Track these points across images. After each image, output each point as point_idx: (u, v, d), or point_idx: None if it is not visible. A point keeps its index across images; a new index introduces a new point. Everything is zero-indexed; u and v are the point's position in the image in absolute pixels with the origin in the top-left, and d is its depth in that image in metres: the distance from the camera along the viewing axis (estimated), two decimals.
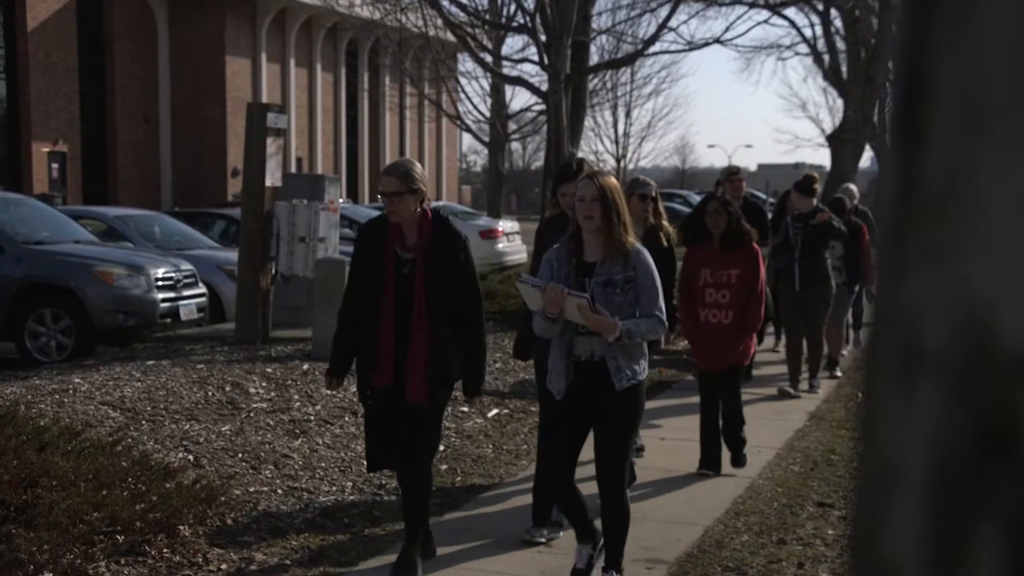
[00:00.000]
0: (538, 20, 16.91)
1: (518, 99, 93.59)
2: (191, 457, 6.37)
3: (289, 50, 36.41)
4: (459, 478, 6.64)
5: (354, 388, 5.71)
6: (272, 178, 10.20)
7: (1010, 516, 0.51)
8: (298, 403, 7.66)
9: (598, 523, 4.86)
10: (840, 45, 28.28)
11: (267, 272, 10.22)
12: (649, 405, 8.37)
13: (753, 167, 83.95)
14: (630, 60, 24.21)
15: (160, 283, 11.10)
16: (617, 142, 44.93)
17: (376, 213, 20.42)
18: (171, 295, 11.20)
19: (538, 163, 35.23)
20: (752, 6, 20.69)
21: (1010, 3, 0.52)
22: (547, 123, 17.41)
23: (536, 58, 17.65)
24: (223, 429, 6.93)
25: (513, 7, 19.29)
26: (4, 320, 10.61)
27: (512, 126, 29.36)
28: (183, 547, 5.10)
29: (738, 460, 6.85)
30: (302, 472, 6.42)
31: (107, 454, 5.67)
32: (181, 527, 5.21)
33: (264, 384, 8.16)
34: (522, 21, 18.19)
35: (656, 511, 6.08)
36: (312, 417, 7.29)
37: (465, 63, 28.69)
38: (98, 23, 30.92)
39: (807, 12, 28.48)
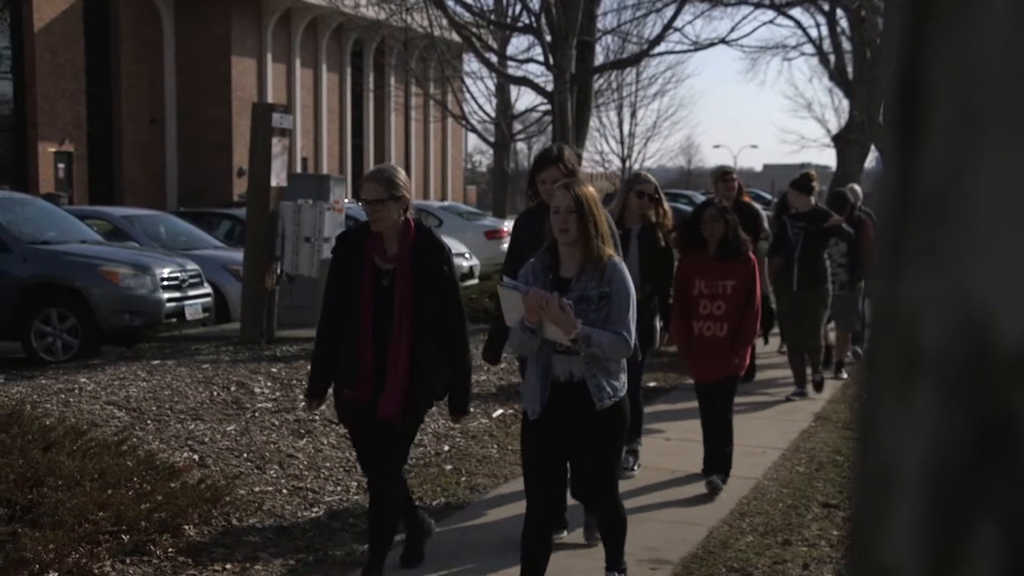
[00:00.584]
0: (543, 20, 16.91)
1: (523, 99, 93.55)
2: (196, 457, 6.38)
3: (295, 50, 36.44)
4: (464, 478, 6.64)
5: None
6: (277, 178, 10.21)
7: (1008, 517, 0.51)
8: (303, 403, 7.67)
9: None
10: (846, 45, 28.26)
11: (272, 272, 10.23)
12: (652, 408, 8.39)
13: (759, 167, 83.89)
14: (635, 60, 24.20)
15: (166, 283, 11.12)
16: (622, 142, 44.91)
17: None
18: (177, 295, 11.22)
19: None
20: (758, 6, 20.68)
21: (1006, 2, 0.52)
22: (552, 123, 17.41)
23: (541, 58, 17.65)
24: (228, 429, 6.94)
25: (518, 7, 19.29)
26: (10, 320, 10.63)
27: (517, 126, 29.38)
28: (188, 547, 5.11)
29: (716, 478, 6.42)
30: (307, 472, 6.43)
31: (112, 454, 5.68)
32: (186, 527, 5.22)
33: (269, 384, 8.17)
34: (527, 21, 18.20)
35: (660, 512, 6.07)
36: (317, 417, 7.29)
37: (470, 63, 28.71)
38: (104, 23, 30.97)
39: (813, 12, 28.46)
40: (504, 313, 4.33)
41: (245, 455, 6.52)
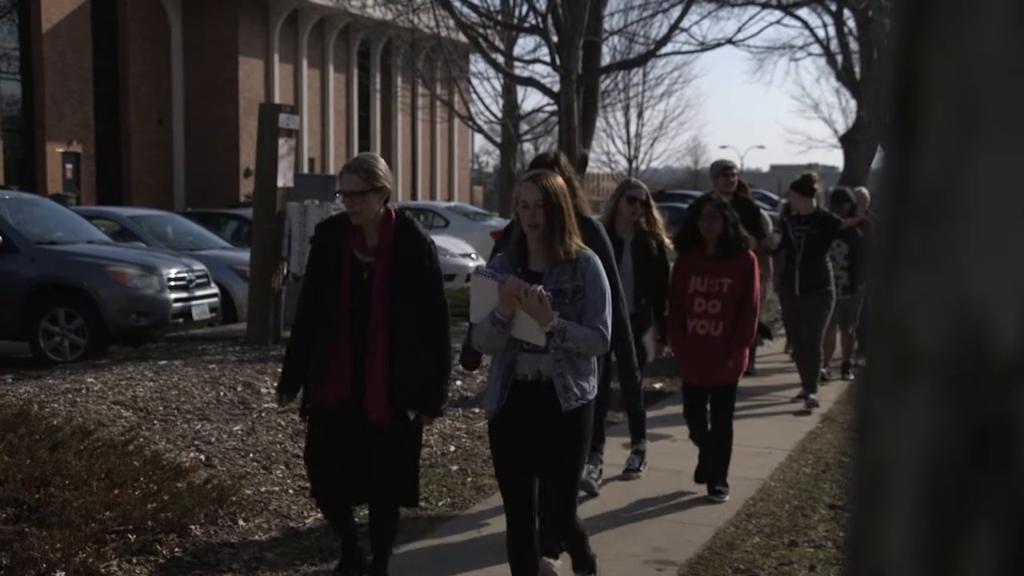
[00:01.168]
0: (550, 21, 16.91)
1: (530, 100, 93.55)
2: (203, 457, 6.39)
3: (302, 51, 36.48)
4: (470, 478, 6.64)
5: None
6: (284, 178, 10.23)
7: (1003, 519, 0.51)
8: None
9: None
10: (853, 45, 28.20)
11: (279, 272, 10.24)
12: (659, 412, 8.38)
13: (766, 168, 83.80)
14: (642, 61, 24.18)
15: (173, 283, 11.14)
16: (629, 143, 44.90)
17: None
18: (183, 295, 11.24)
19: None
20: (765, 6, 20.66)
21: (1004, 2, 0.52)
22: (558, 124, 17.41)
23: (548, 59, 17.65)
24: (234, 429, 6.95)
25: (525, 8, 19.30)
26: (18, 320, 10.65)
27: (524, 127, 29.36)
28: (194, 546, 5.12)
29: (718, 491, 6.29)
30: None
31: (119, 453, 5.69)
32: (192, 527, 5.23)
33: (276, 384, 8.17)
34: (534, 22, 18.20)
35: (666, 513, 6.07)
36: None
37: (477, 64, 28.69)
38: (112, 24, 31.03)
39: (820, 12, 28.41)
40: (472, 307, 4.11)
41: (251, 455, 6.53)
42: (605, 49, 22.72)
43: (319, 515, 5.76)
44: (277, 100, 32.71)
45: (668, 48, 19.99)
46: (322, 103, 38.04)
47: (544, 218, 4.07)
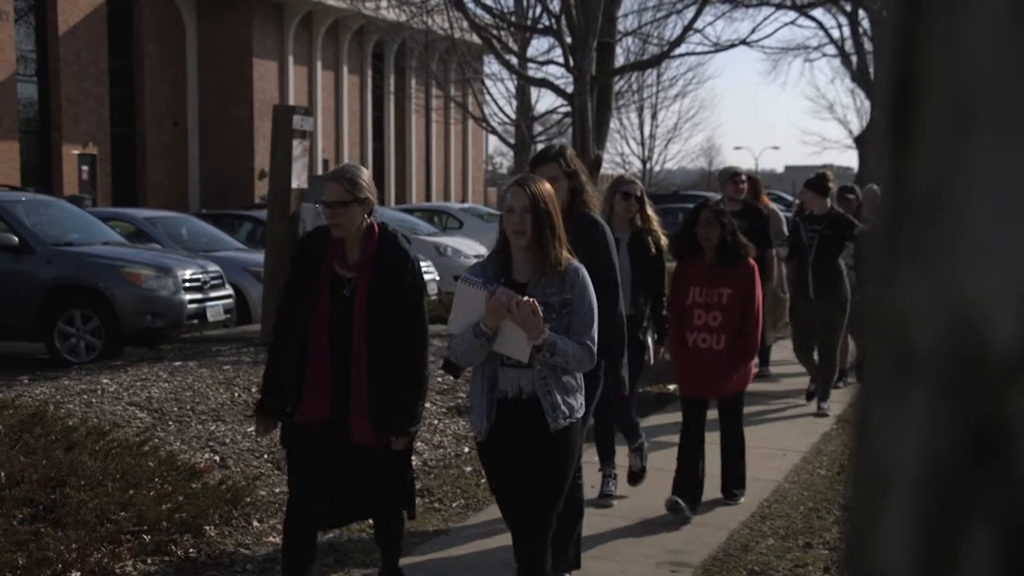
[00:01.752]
0: (563, 22, 16.90)
1: (544, 101, 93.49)
2: (217, 458, 6.41)
3: (316, 53, 36.57)
4: (483, 479, 6.65)
5: None
6: (298, 180, 10.25)
7: (1000, 520, 0.51)
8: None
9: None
10: (868, 46, 28.10)
11: None
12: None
13: (780, 169, 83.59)
14: (656, 62, 24.15)
15: (187, 284, 11.18)
16: (643, 144, 44.86)
17: (403, 215, 20.43)
18: (198, 296, 11.28)
19: None
20: (779, 7, 20.61)
21: (999, 1, 0.52)
22: (572, 125, 17.40)
23: (561, 60, 17.64)
24: (249, 430, 6.97)
25: (539, 9, 19.30)
26: (34, 321, 10.71)
27: (538, 128, 29.36)
28: (209, 547, 5.13)
29: (734, 494, 6.17)
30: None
31: (134, 454, 5.71)
32: (207, 527, 5.24)
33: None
34: (547, 23, 18.19)
35: None
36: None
37: (491, 65, 28.70)
38: (128, 27, 31.17)
39: (835, 13, 28.33)
40: (452, 315, 3.86)
41: (265, 456, 6.55)
42: (619, 50, 22.71)
43: None
44: (291, 102, 32.80)
45: (682, 49, 19.95)
46: (336, 105, 38.12)
47: (531, 225, 3.85)
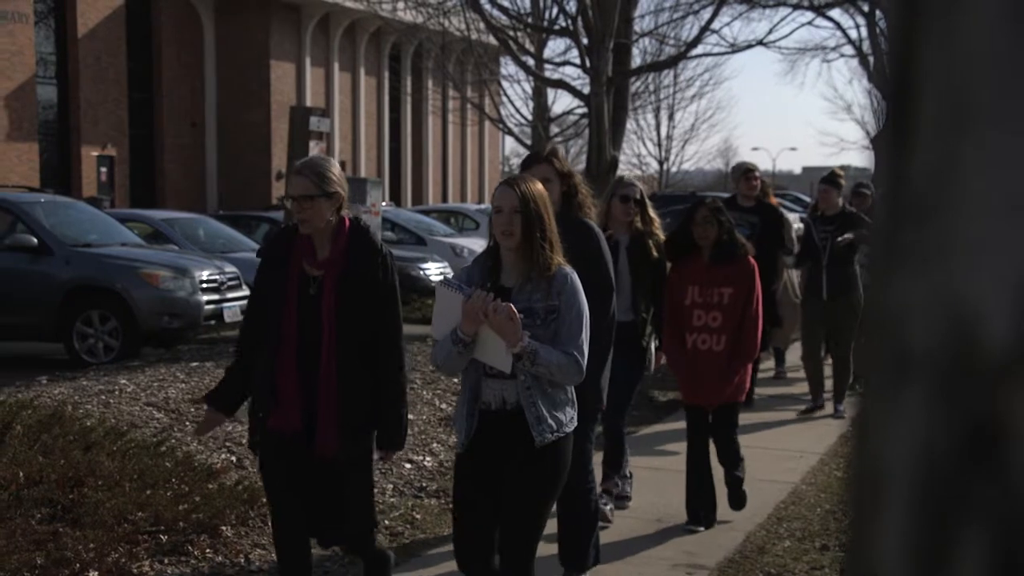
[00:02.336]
0: (580, 23, 16.89)
1: (560, 102, 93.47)
2: (234, 458, 6.42)
3: (333, 54, 36.67)
4: None
5: None
6: None
7: (994, 520, 0.51)
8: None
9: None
10: (885, 46, 27.99)
11: None
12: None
13: (798, 170, 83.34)
14: (672, 62, 24.10)
15: (204, 285, 11.22)
16: (660, 145, 44.77)
17: (419, 216, 20.46)
18: (215, 297, 11.32)
19: (580, 166, 35.50)
20: (796, 8, 20.54)
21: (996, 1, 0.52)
22: (589, 126, 17.39)
23: (578, 61, 17.63)
24: None
25: (555, 10, 19.29)
26: (53, 321, 10.77)
27: (554, 129, 29.34)
28: (225, 547, 5.15)
29: (737, 500, 5.94)
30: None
31: (151, 454, 5.74)
32: (223, 527, 5.26)
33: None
34: (564, 24, 18.19)
35: None
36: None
37: (507, 66, 28.74)
38: (146, 29, 31.33)
39: (852, 13, 28.22)
40: (434, 321, 3.68)
41: None
42: (635, 51, 22.67)
43: None
44: (308, 103, 32.89)
45: (699, 50, 19.91)
46: (353, 106, 38.21)
47: (520, 227, 3.63)
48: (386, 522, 5.73)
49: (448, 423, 7.48)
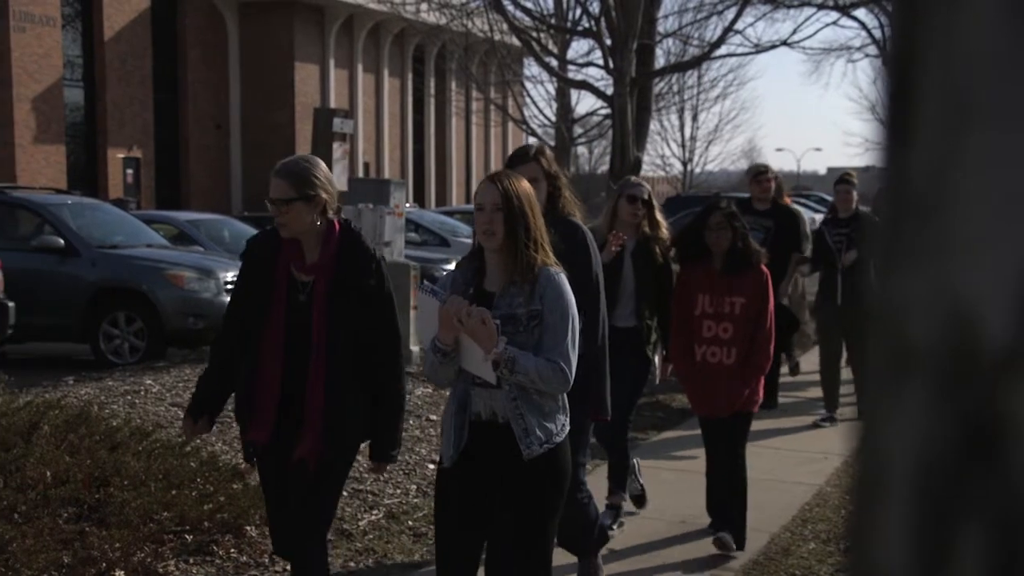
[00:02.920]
0: (603, 24, 16.88)
1: (584, 103, 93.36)
2: None
3: (356, 56, 36.79)
4: None
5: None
6: (338, 182, 10.31)
7: (993, 517, 0.51)
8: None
9: None
10: None
11: None
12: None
13: (823, 171, 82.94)
14: (696, 63, 24.05)
15: (229, 286, 11.28)
16: (684, 146, 44.68)
17: (443, 217, 20.52)
18: None
19: (604, 167, 35.37)
20: (821, 8, 20.43)
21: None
22: (612, 127, 17.37)
23: (601, 62, 17.62)
24: None
25: (578, 11, 19.29)
26: (80, 322, 10.86)
27: (578, 130, 29.32)
28: (250, 547, 5.17)
29: (737, 539, 5.47)
30: (366, 475, 6.47)
31: (176, 455, 5.77)
32: (248, 527, 5.28)
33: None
34: (587, 25, 18.19)
35: None
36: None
37: (530, 67, 28.74)
38: (171, 31, 31.54)
39: (877, 13, 28.04)
40: (417, 330, 3.58)
41: None
42: (659, 52, 22.63)
43: (374, 517, 5.79)
44: (332, 105, 33.00)
45: (722, 50, 19.86)
46: (377, 108, 38.32)
47: (503, 225, 3.38)
48: (410, 523, 5.75)
49: None
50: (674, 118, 43.35)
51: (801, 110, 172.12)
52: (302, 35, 33.96)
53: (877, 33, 31.88)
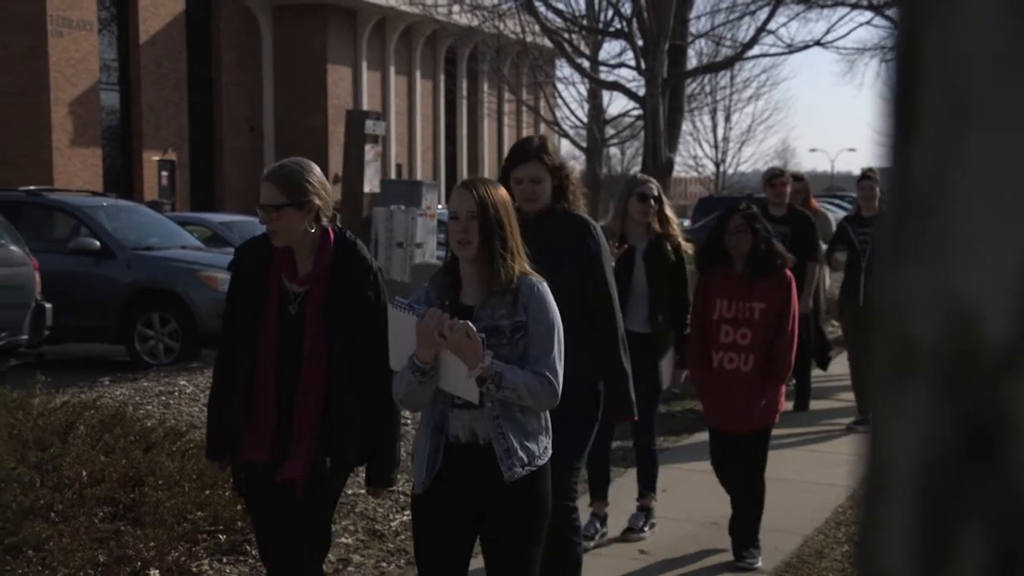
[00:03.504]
0: (635, 25, 16.85)
1: (616, 104, 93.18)
2: None
3: (389, 58, 36.93)
4: None
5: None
6: (371, 184, 10.36)
7: (994, 516, 0.51)
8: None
9: None
10: None
11: None
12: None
13: (857, 171, 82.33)
14: (728, 64, 23.94)
15: None
16: (716, 147, 44.49)
17: None
18: None
19: (636, 168, 35.43)
20: (854, 7, 20.28)
21: None
22: (644, 128, 17.34)
23: (633, 63, 17.59)
24: None
25: (610, 12, 19.27)
26: (115, 323, 10.96)
27: (610, 131, 29.29)
28: None
29: (743, 556, 5.27)
30: (399, 475, 6.49)
31: None
32: None
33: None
34: (619, 26, 18.16)
35: None
36: (408, 418, 7.36)
37: (562, 69, 28.75)
38: (206, 35, 31.81)
39: None
40: (390, 349, 3.25)
41: None
42: (691, 52, 22.56)
43: (405, 517, 5.81)
44: (365, 107, 33.13)
45: (755, 50, 19.75)
46: (409, 110, 38.45)
47: (479, 234, 3.20)
48: None
49: None
50: (707, 119, 43.17)
51: (835, 110, 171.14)
52: (335, 38, 34.14)
53: None
